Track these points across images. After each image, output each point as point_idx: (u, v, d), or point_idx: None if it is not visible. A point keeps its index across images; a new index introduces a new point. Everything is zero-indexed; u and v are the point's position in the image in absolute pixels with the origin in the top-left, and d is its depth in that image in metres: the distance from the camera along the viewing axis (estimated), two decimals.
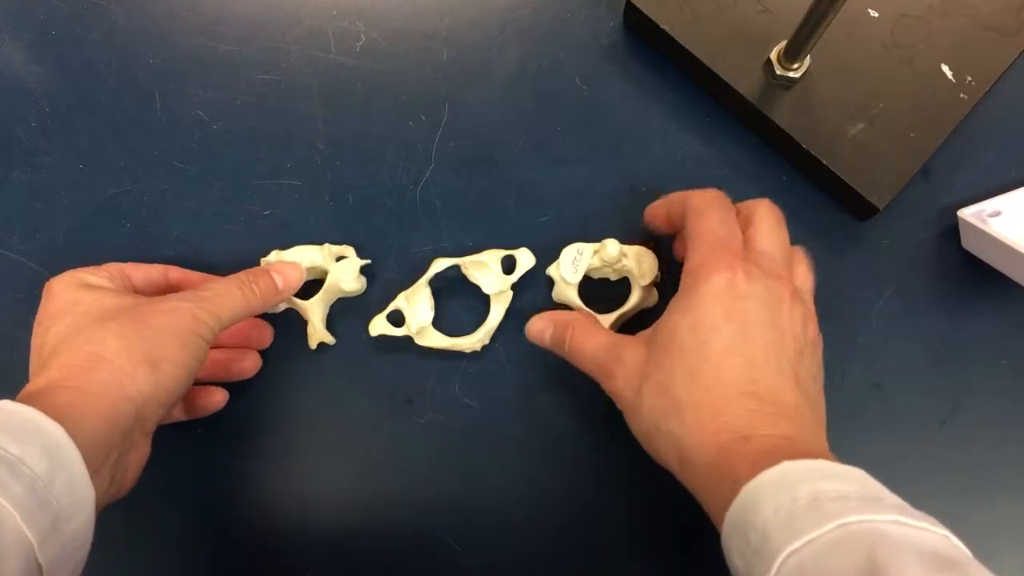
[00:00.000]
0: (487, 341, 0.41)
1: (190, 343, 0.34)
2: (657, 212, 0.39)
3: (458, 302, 0.42)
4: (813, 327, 0.35)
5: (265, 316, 0.41)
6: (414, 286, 0.41)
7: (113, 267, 0.38)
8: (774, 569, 0.25)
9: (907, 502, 0.27)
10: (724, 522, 0.29)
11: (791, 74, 0.40)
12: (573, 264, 0.40)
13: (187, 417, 0.39)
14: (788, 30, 0.38)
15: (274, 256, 0.41)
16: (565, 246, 0.41)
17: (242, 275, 0.38)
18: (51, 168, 0.44)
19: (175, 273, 0.40)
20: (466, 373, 0.41)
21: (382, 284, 0.41)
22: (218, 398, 0.40)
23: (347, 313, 0.42)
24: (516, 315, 0.41)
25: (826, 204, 0.43)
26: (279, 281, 0.39)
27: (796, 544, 0.25)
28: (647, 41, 0.45)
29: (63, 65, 0.45)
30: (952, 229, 0.42)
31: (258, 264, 0.41)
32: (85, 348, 0.32)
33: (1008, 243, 0.38)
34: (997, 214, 0.41)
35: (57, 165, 0.44)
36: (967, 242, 0.41)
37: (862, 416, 0.41)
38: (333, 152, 0.44)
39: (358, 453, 0.41)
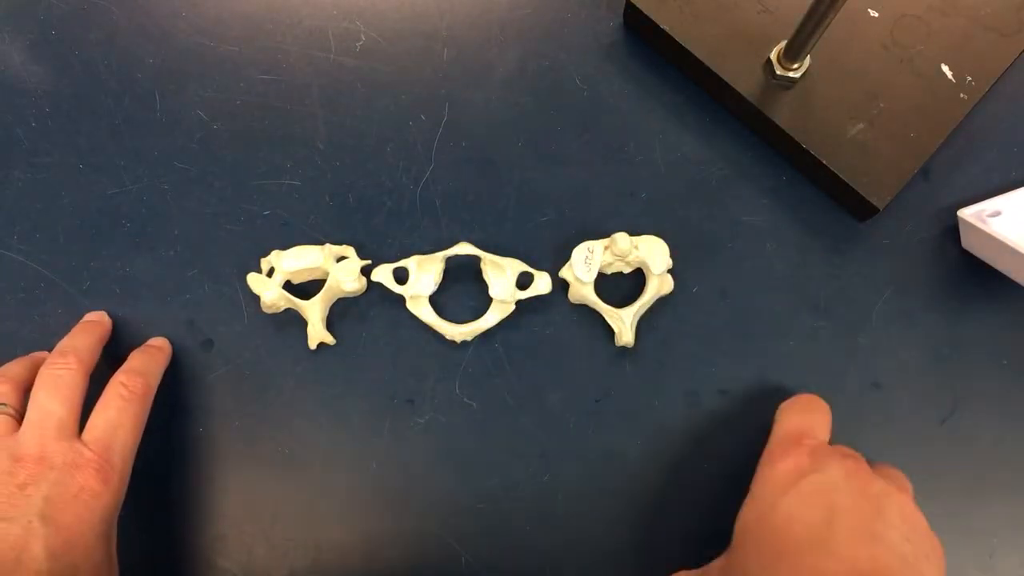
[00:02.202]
0: (469, 339, 0.41)
1: (110, 530, 0.35)
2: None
3: (461, 290, 0.42)
4: (905, 502, 0.33)
5: (266, 317, 0.41)
6: (430, 255, 0.41)
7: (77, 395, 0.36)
8: None
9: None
10: None
11: (791, 74, 0.40)
12: (585, 263, 0.40)
13: None
14: (788, 30, 0.38)
15: (274, 256, 0.41)
16: (565, 245, 0.41)
17: (112, 386, 0.37)
18: (51, 168, 0.44)
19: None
20: (466, 373, 0.41)
21: (382, 284, 0.41)
22: None
23: (347, 313, 0.42)
24: (520, 316, 0.41)
25: (826, 204, 0.43)
26: (158, 344, 0.41)
27: None
28: (647, 41, 0.45)
29: (63, 65, 0.45)
30: (952, 229, 0.42)
31: (258, 265, 0.41)
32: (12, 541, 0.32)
33: (1008, 243, 0.38)
34: (997, 214, 0.41)
35: (57, 165, 0.44)
36: (967, 242, 0.41)
37: (862, 416, 0.41)
38: (333, 152, 0.44)
39: (358, 453, 0.41)
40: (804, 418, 0.37)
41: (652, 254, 0.40)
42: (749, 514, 0.34)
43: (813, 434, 0.36)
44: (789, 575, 0.30)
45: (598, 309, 0.41)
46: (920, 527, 0.32)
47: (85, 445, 0.35)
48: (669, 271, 0.41)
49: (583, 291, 0.40)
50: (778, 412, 0.38)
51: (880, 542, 0.30)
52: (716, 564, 0.35)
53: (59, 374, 0.36)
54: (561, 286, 0.42)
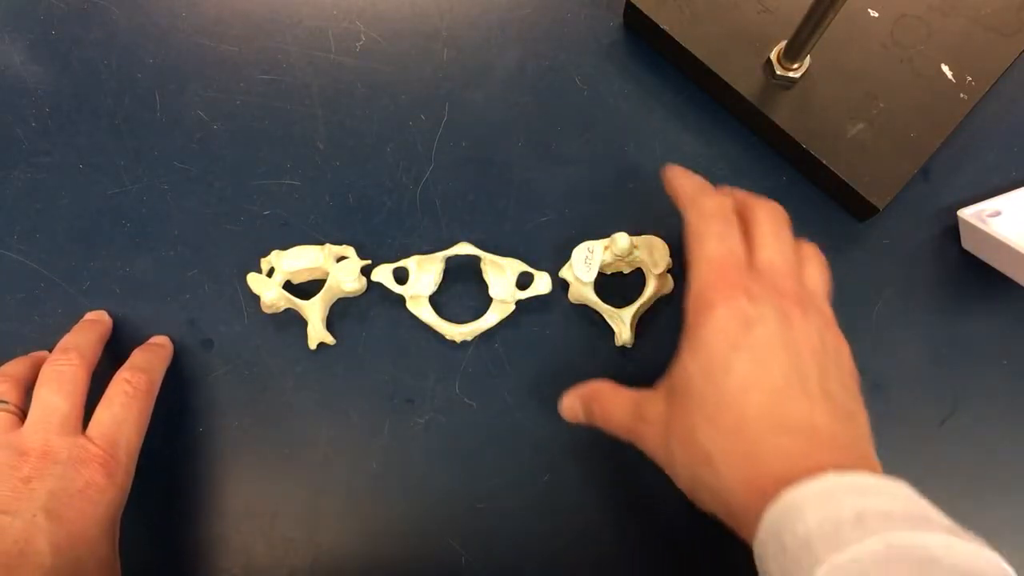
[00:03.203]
0: (469, 339, 0.41)
1: (115, 526, 0.35)
2: (671, 187, 0.37)
3: (461, 290, 0.42)
4: (832, 334, 0.33)
5: (266, 317, 0.41)
6: (430, 255, 0.41)
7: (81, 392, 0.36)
8: None
9: None
10: (760, 526, 0.27)
11: (791, 74, 0.40)
12: (585, 263, 0.40)
13: None
14: (788, 30, 0.38)
15: (274, 256, 0.41)
16: (565, 246, 0.41)
17: (116, 383, 0.37)
18: (51, 168, 0.44)
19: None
20: (466, 373, 0.41)
21: (382, 284, 0.41)
22: None
23: (347, 313, 0.42)
24: (520, 316, 0.41)
25: (826, 204, 0.43)
26: (159, 342, 0.41)
27: (840, 558, 0.24)
28: (647, 41, 0.45)
29: (63, 65, 0.45)
30: (952, 229, 0.42)
31: (258, 265, 0.41)
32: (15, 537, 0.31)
33: (1008, 243, 0.38)
34: (997, 214, 0.41)
35: (57, 165, 0.44)
36: (967, 242, 0.41)
37: None
38: (333, 152, 0.44)
39: (358, 453, 0.41)
40: (723, 243, 0.33)
41: (652, 254, 0.40)
42: (692, 364, 0.31)
43: (736, 258, 0.33)
44: (753, 454, 0.29)
45: (598, 309, 0.41)
46: (848, 366, 0.33)
47: (90, 440, 0.35)
48: (669, 271, 0.41)
49: (583, 291, 0.40)
50: (688, 234, 0.34)
51: (831, 400, 0.30)
52: (654, 405, 0.33)
53: (62, 370, 0.36)
54: (561, 286, 0.42)
